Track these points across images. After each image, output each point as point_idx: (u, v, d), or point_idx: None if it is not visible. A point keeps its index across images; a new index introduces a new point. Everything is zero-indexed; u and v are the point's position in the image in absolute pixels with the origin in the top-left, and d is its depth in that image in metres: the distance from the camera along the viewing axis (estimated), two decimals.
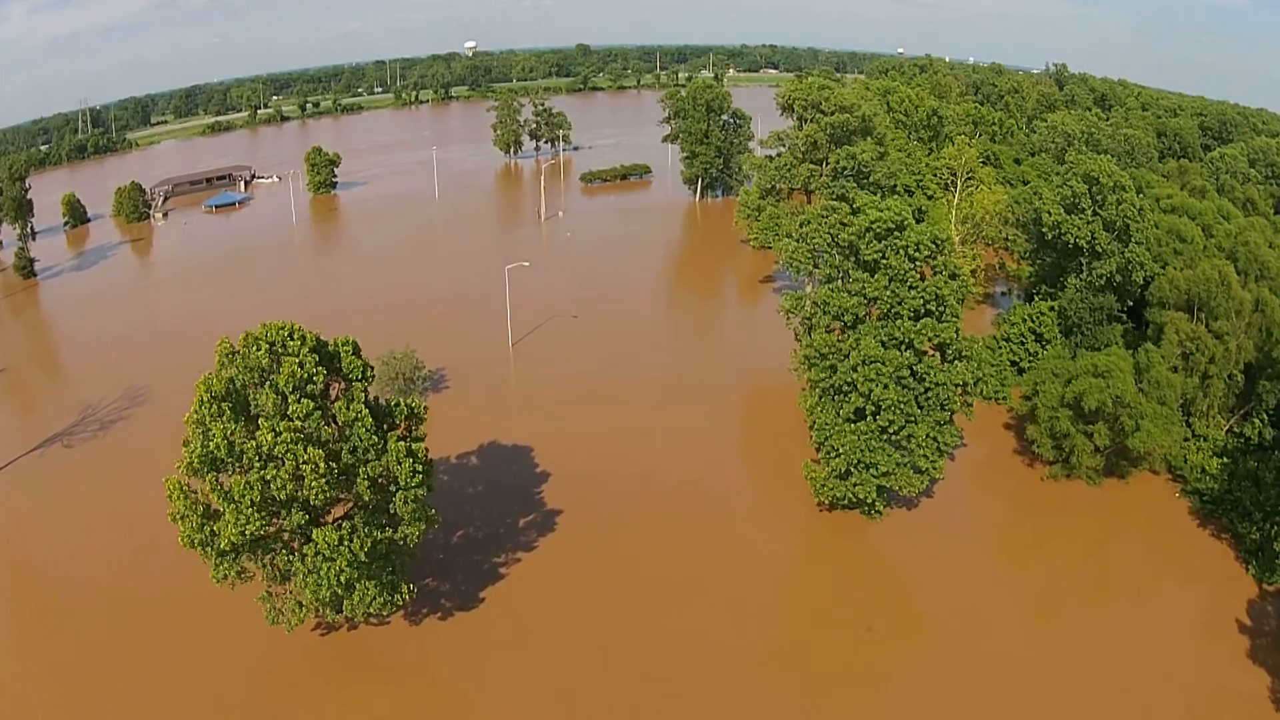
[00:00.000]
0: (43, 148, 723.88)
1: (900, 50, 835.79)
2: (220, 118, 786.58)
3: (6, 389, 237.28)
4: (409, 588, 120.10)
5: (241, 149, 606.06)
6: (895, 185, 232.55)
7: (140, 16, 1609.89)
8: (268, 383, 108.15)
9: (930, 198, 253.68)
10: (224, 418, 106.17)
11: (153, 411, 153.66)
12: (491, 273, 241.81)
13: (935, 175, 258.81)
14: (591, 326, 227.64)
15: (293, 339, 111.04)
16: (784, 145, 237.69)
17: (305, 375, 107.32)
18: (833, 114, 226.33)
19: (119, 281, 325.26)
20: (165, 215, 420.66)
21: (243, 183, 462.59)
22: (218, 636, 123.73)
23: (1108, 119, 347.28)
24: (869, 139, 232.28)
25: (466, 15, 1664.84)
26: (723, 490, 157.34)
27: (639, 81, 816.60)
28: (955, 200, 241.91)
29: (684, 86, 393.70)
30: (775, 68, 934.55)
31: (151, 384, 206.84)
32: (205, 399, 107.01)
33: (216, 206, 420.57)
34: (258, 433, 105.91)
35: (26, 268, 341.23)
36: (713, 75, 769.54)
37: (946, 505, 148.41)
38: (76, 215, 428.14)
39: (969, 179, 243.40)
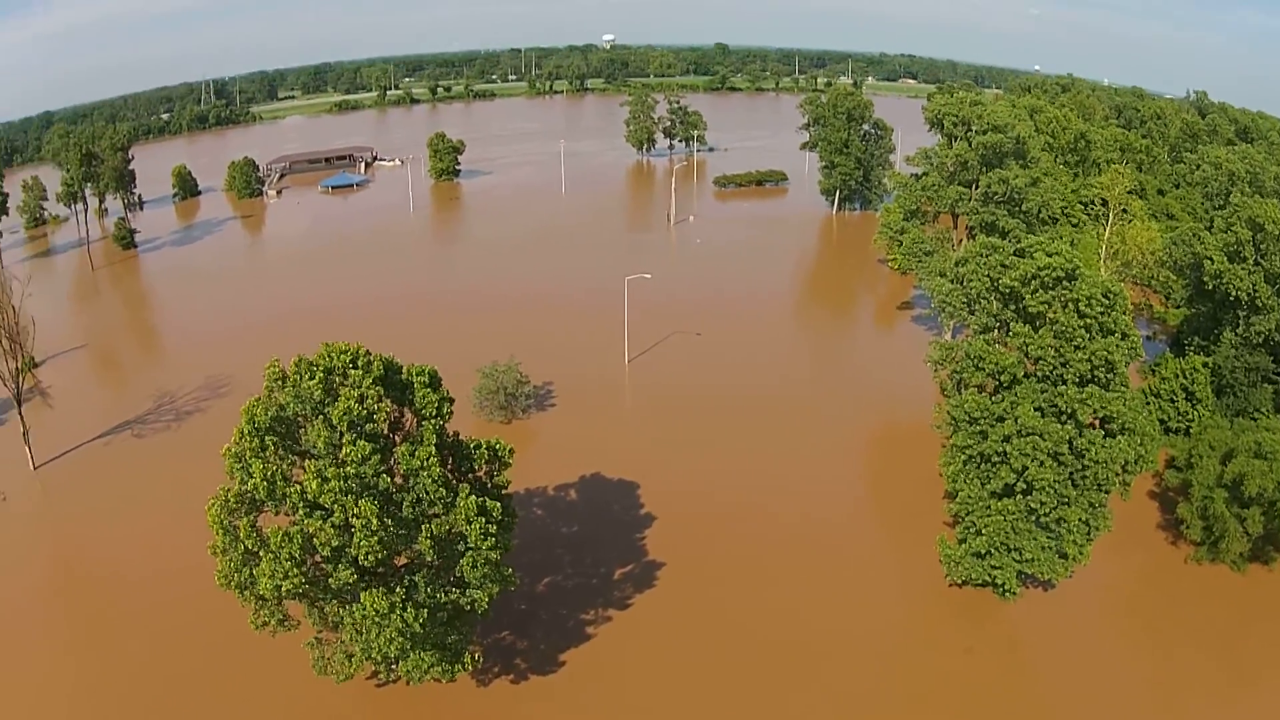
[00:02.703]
0: (163, 116, 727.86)
1: (1037, 68, 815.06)
2: (349, 96, 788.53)
3: (84, 366, 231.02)
4: (474, 657, 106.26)
5: (367, 129, 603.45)
6: (1045, 214, 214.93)
7: None
8: (320, 417, 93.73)
9: (1076, 226, 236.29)
10: (266, 453, 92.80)
11: (233, 406, 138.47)
12: (613, 278, 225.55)
13: (1083, 204, 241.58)
14: (715, 345, 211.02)
15: (355, 366, 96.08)
16: (931, 163, 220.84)
17: (365, 412, 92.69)
18: (985, 133, 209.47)
19: (219, 260, 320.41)
20: (279, 193, 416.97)
21: (363, 164, 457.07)
22: (261, 668, 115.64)
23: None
24: (1021, 162, 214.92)
25: (605, 7, 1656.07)
26: (842, 549, 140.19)
27: (777, 84, 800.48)
28: (1105, 233, 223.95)
29: (824, 92, 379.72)
30: (914, 78, 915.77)
31: (237, 375, 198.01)
32: (247, 430, 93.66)
33: (333, 187, 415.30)
34: (304, 477, 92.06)
35: (126, 239, 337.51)
36: (852, 82, 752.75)
37: (1080, 578, 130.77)
38: (186, 187, 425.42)
39: (1121, 211, 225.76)
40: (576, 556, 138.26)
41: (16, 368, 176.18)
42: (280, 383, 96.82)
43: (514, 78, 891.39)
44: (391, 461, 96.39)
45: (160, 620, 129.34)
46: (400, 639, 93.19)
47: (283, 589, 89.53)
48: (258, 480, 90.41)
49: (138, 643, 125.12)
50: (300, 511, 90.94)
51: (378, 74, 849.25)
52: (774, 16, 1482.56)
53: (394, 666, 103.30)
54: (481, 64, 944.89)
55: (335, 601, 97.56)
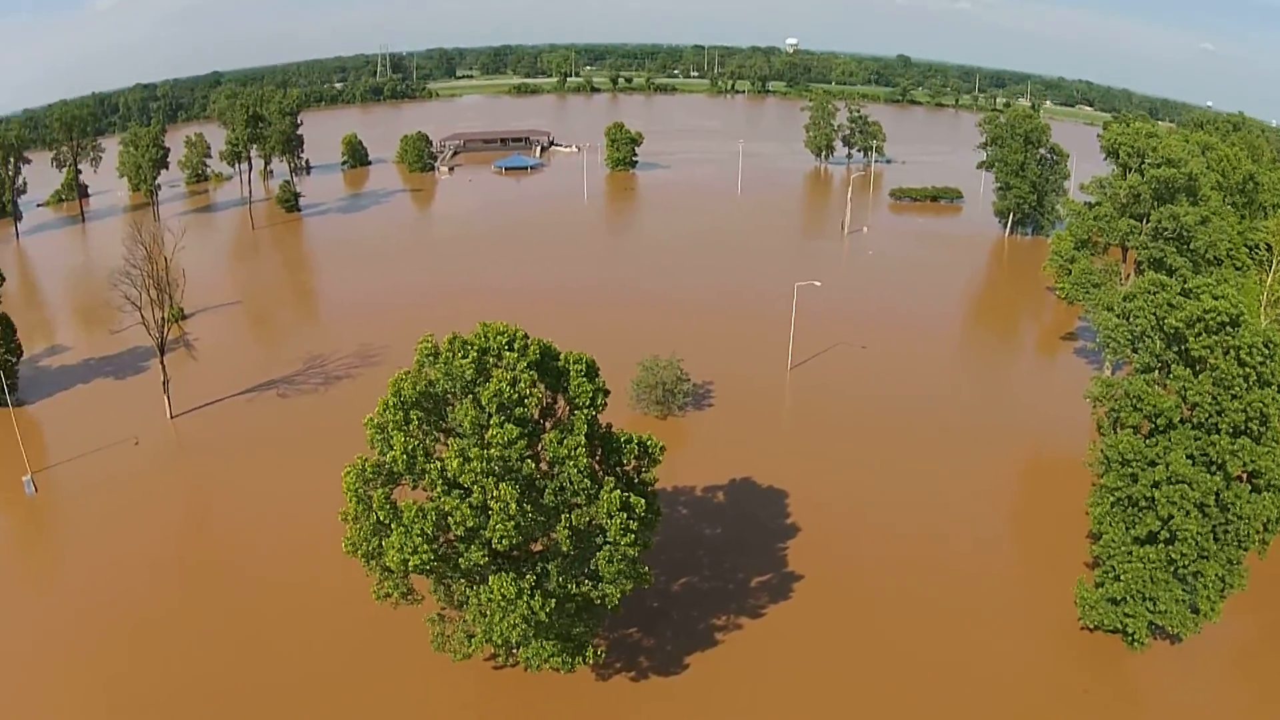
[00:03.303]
0: (336, 85, 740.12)
1: (1209, 104, 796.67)
2: (528, 80, 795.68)
3: (236, 323, 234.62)
4: (596, 651, 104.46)
5: (546, 114, 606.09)
6: (1211, 254, 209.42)
7: None
8: (470, 396, 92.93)
9: (1240, 270, 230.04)
10: (410, 427, 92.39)
11: (383, 376, 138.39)
12: (783, 283, 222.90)
13: (1248, 247, 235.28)
14: (878, 360, 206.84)
15: (511, 348, 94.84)
16: (1104, 193, 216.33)
17: (516, 395, 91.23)
18: (1159, 166, 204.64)
19: (383, 231, 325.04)
20: (451, 170, 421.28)
21: (539, 148, 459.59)
22: (377, 637, 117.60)
23: None
24: (1192, 199, 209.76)
25: (790, 11, 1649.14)
26: (978, 576, 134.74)
27: (956, 101, 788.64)
28: (1269, 280, 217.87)
29: (1002, 113, 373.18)
30: (1090, 104, 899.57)
31: (390, 345, 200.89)
32: (392, 403, 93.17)
33: (507, 169, 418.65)
34: (446, 455, 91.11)
35: (290, 201, 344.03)
36: (1029, 105, 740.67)
37: (1208, 634, 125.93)
38: (356, 156, 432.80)
39: None
40: (716, 560, 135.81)
41: (162, 317, 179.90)
42: (432, 358, 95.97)
43: (696, 74, 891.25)
44: (538, 447, 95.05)
45: (275, 579, 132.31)
46: (524, 625, 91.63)
47: (410, 563, 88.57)
48: (397, 453, 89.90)
49: (247, 599, 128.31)
50: (438, 488, 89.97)
51: (559, 60, 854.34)
52: (956, 32, 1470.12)
53: (514, 652, 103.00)
54: (664, 58, 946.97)
55: (463, 581, 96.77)
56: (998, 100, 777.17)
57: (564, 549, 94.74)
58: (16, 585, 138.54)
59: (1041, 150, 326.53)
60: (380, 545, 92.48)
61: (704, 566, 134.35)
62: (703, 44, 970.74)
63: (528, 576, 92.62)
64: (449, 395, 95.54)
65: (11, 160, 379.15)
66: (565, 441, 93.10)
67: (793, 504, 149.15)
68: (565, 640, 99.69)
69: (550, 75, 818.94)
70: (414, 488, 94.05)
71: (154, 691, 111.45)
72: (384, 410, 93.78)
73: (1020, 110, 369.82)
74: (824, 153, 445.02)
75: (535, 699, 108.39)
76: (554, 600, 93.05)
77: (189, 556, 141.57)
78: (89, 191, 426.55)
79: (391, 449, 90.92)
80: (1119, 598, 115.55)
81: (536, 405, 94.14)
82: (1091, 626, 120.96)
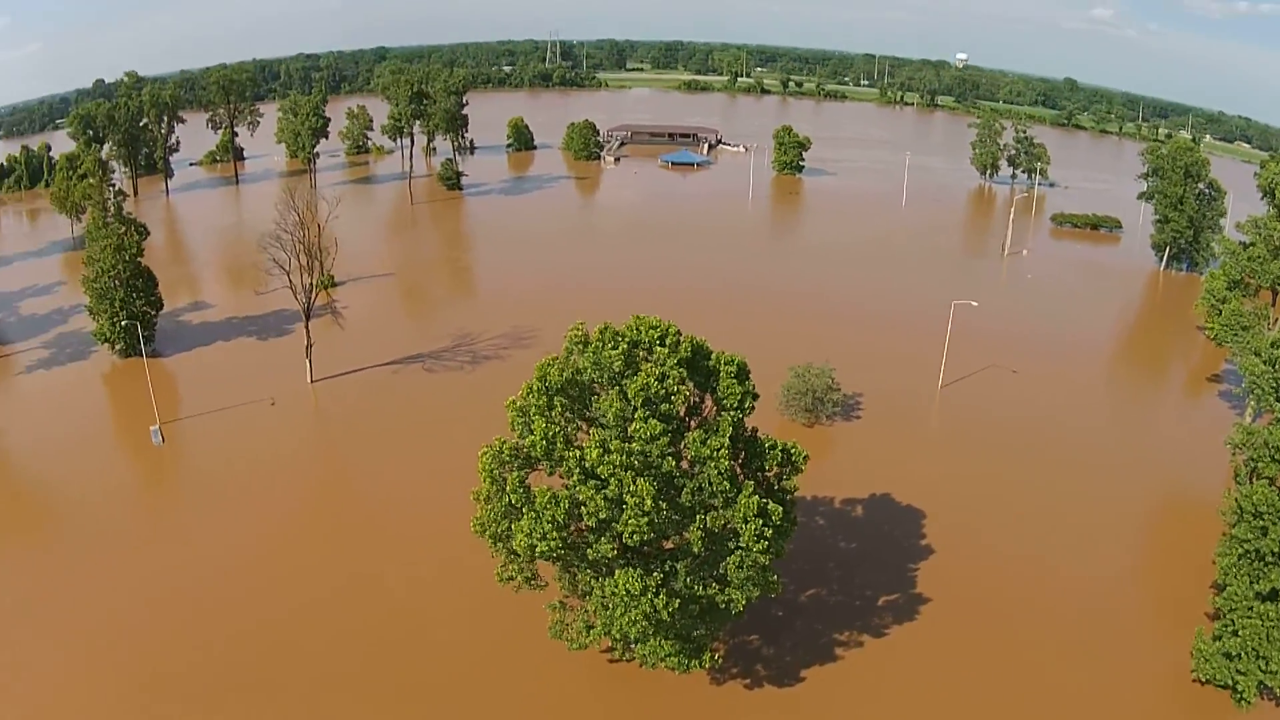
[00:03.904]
0: (505, 69, 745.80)
1: None
2: (698, 77, 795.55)
3: (387, 294, 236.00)
4: (714, 655, 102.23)
5: (714, 111, 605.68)
6: None
7: None
8: (616, 388, 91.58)
9: None
10: (552, 413, 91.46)
11: (531, 359, 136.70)
12: (939, 300, 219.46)
13: None
14: (1027, 384, 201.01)
15: (662, 343, 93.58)
16: (1259, 233, 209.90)
17: (663, 391, 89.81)
18: None
19: (544, 215, 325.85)
20: (617, 160, 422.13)
21: (706, 146, 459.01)
22: (491, 624, 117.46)
23: None
24: None
25: (961, 26, 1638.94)
26: (1097, 615, 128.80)
27: (1120, 128, 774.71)
28: None
29: (1164, 144, 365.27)
30: (1248, 141, 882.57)
31: (542, 329, 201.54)
32: (537, 388, 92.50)
33: (673, 163, 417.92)
34: (586, 444, 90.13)
35: (452, 179, 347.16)
36: (1190, 137, 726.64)
37: None
38: (522, 140, 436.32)
39: None
40: (846, 574, 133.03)
41: (311, 283, 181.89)
42: (581, 346, 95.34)
43: (866, 83, 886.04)
44: (681, 445, 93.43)
45: (397, 552, 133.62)
46: (645, 622, 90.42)
47: (537, 549, 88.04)
48: (537, 438, 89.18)
49: (367, 568, 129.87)
50: (574, 477, 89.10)
51: (730, 59, 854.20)
52: (1122, 58, 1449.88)
53: (631, 647, 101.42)
54: (835, 64, 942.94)
55: (589, 571, 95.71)
56: (1159, 131, 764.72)
57: (695, 550, 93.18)
58: (132, 532, 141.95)
59: (1200, 185, 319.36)
60: (509, 528, 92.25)
61: (833, 580, 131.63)
62: (874, 53, 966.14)
63: (655, 574, 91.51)
64: (595, 385, 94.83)
65: (165, 119, 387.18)
66: (708, 442, 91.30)
67: (929, 524, 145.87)
68: (684, 640, 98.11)
69: (721, 74, 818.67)
70: (550, 474, 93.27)
71: (260, 652, 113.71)
72: (527, 394, 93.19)
73: (1181, 142, 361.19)
74: (989, 171, 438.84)
75: (647, 696, 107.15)
76: (678, 600, 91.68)
77: (313, 521, 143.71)
78: (244, 155, 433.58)
79: (531, 433, 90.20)
80: (1234, 653, 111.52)
81: (683, 403, 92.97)
82: (1203, 679, 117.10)
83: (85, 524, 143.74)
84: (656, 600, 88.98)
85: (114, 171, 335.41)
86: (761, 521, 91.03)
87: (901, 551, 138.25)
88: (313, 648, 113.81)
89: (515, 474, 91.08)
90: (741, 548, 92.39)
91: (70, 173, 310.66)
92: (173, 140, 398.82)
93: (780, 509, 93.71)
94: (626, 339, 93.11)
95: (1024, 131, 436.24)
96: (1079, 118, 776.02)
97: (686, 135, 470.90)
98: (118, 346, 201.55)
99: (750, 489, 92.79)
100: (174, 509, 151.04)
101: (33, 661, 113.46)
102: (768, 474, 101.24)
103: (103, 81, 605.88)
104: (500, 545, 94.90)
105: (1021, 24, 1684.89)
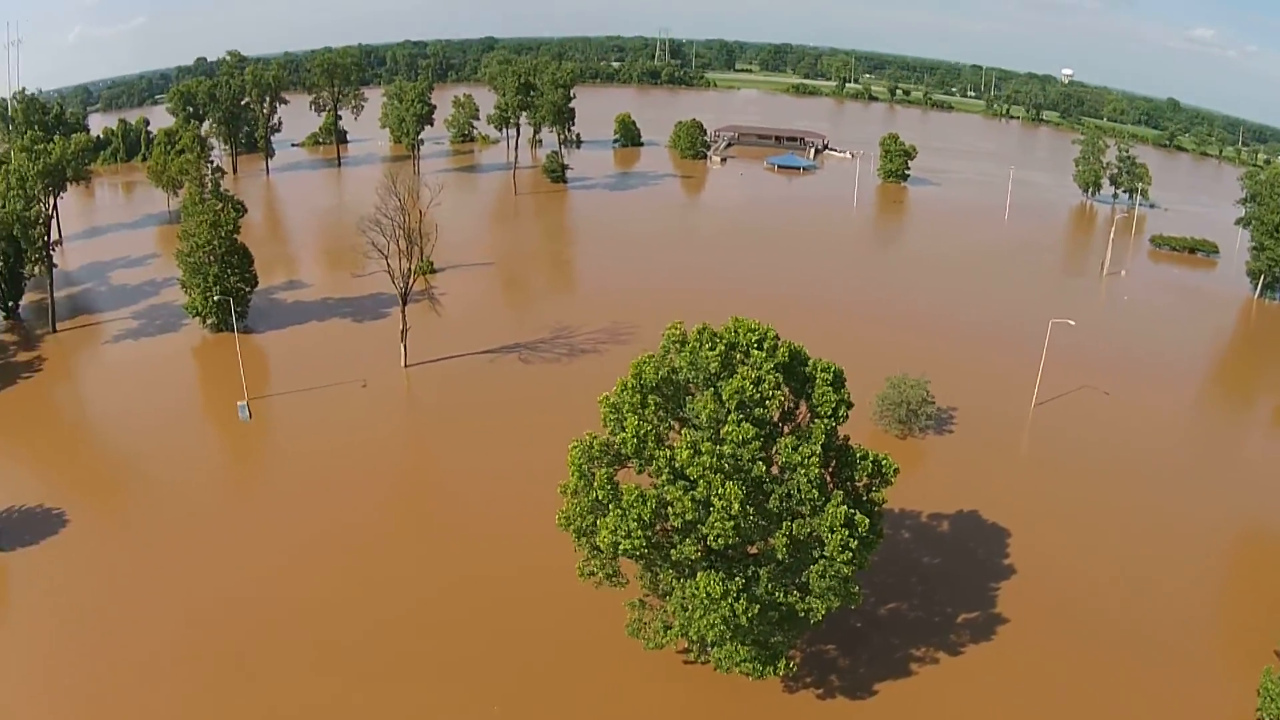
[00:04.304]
0: (613, 64, 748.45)
1: None
2: (806, 80, 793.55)
3: (488, 283, 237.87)
4: (789, 663, 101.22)
5: (821, 116, 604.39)
6: None
7: None
8: (711, 389, 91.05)
9: None
10: (645, 411, 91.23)
11: (628, 355, 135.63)
12: (1035, 316, 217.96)
13: None
14: (1120, 408, 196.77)
15: (759, 347, 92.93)
16: None
17: (758, 394, 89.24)
18: None
19: (647, 212, 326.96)
20: (723, 160, 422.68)
21: (813, 150, 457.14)
22: (568, 619, 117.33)
23: None
24: None
25: (1067, 41, 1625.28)
26: (1170, 647, 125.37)
27: (1220, 151, 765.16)
28: None
29: (1263, 169, 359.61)
30: None
31: (641, 326, 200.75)
32: (631, 385, 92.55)
33: (779, 166, 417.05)
34: (677, 444, 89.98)
35: (557, 172, 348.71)
36: None
37: None
38: (628, 136, 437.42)
39: None
40: (928, 590, 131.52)
41: (409, 268, 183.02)
42: (678, 346, 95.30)
43: (972, 94, 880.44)
44: (772, 451, 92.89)
45: (479, 540, 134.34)
46: (723, 626, 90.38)
47: (621, 546, 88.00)
48: (628, 435, 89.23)
49: (446, 554, 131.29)
50: (663, 477, 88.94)
51: (838, 64, 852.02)
52: (1223, 79, 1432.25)
53: (708, 650, 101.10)
54: (942, 74, 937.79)
55: (671, 572, 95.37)
56: (1259, 155, 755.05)
57: (779, 556, 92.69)
58: (214, 510, 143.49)
59: None
60: (594, 524, 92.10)
61: (914, 595, 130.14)
62: (980, 64, 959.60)
63: (737, 578, 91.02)
64: (690, 385, 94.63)
65: (268, 99, 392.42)
66: (800, 449, 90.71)
67: (1013, 544, 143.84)
68: (761, 647, 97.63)
69: (829, 78, 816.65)
70: (639, 472, 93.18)
71: (339, 641, 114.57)
72: (621, 391, 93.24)
73: (1279, 168, 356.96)
74: (1091, 189, 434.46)
75: (719, 700, 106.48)
76: (758, 606, 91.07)
77: (397, 510, 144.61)
78: (347, 138, 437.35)
79: (623, 430, 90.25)
80: None
81: (777, 408, 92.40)
82: (1267, 719, 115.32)
83: (168, 498, 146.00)
84: (736, 605, 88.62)
85: (213, 148, 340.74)
86: (848, 532, 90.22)
87: (983, 570, 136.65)
88: (391, 638, 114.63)
89: (604, 470, 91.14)
90: (826, 557, 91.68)
91: (168, 148, 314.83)
92: (275, 120, 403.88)
93: (867, 520, 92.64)
94: (724, 340, 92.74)
95: (1126, 150, 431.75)
96: (1180, 139, 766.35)
97: (793, 139, 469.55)
98: (209, 321, 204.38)
99: (839, 499, 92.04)
100: (258, 488, 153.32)
101: (115, 637, 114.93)
102: (857, 484, 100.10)
103: (204, 59, 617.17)
104: (584, 540, 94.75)
105: (1125, 41, 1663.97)
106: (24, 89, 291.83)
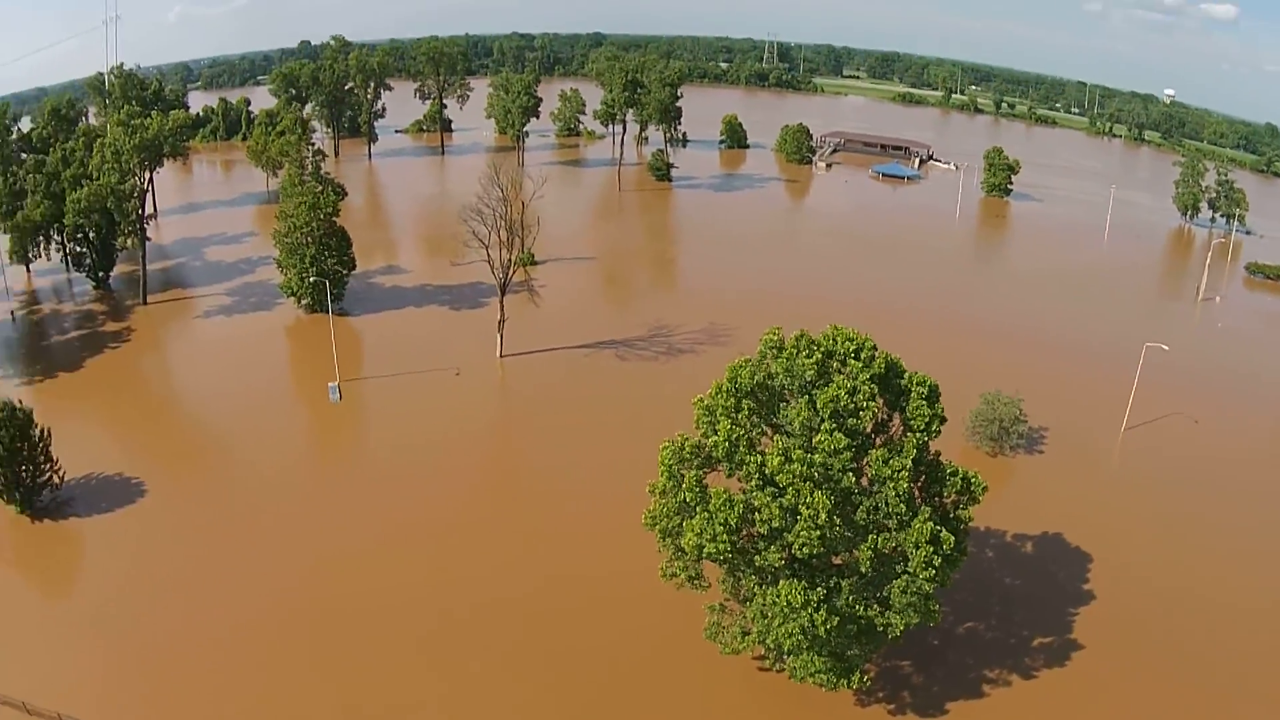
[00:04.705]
0: (721, 64, 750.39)
1: None
2: (913, 90, 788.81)
3: (589, 278, 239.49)
4: (864, 676, 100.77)
5: (926, 126, 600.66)
6: None
7: None
8: (806, 396, 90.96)
9: None
10: (738, 415, 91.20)
11: (725, 358, 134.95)
12: (1128, 339, 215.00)
13: None
14: (1209, 437, 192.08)
15: (856, 357, 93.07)
16: None
17: (852, 405, 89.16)
18: None
19: (751, 214, 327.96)
20: (828, 166, 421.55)
21: (918, 160, 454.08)
22: (646, 619, 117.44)
23: None
24: None
25: (1170, 61, 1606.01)
26: (1246, 689, 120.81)
27: None
28: None
29: None
30: None
31: (739, 329, 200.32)
32: (726, 388, 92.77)
33: (884, 175, 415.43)
34: (768, 450, 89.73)
35: (662, 170, 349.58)
36: None
37: None
38: (735, 137, 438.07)
39: None
40: (1006, 611, 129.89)
41: (509, 259, 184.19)
42: (775, 351, 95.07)
43: (1076, 111, 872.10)
44: (863, 462, 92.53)
45: (563, 536, 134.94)
46: (801, 635, 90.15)
47: (705, 549, 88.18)
48: (721, 439, 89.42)
49: (531, 548, 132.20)
50: (752, 482, 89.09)
51: (944, 74, 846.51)
52: None
53: (784, 658, 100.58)
54: (1047, 89, 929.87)
55: (754, 578, 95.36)
56: None
57: (862, 569, 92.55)
58: (300, 489, 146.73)
59: None
60: (680, 525, 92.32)
61: (993, 615, 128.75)
62: (1085, 81, 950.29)
63: (818, 589, 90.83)
64: (785, 392, 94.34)
65: (372, 84, 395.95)
66: (891, 462, 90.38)
67: (1095, 569, 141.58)
68: (837, 658, 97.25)
69: (935, 88, 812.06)
70: (728, 476, 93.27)
71: (418, 629, 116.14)
72: (716, 394, 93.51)
73: None
74: (1189, 213, 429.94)
75: (791, 708, 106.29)
76: (837, 618, 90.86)
77: (483, 502, 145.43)
78: (452, 126, 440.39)
79: (715, 434, 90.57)
80: None
81: (871, 419, 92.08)
82: None
83: (250, 475, 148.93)
84: (816, 615, 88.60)
85: (314, 131, 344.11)
86: (932, 549, 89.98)
87: (1064, 594, 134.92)
88: (467, 628, 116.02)
89: (693, 472, 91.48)
90: (909, 573, 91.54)
91: (269, 128, 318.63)
92: (378, 106, 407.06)
93: (952, 538, 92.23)
94: (821, 348, 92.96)
95: (1225, 174, 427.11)
96: (1278, 164, 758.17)
97: (899, 147, 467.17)
98: (304, 301, 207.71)
99: (926, 514, 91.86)
100: (343, 470, 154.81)
101: (182, 612, 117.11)
102: (945, 501, 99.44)
103: (308, 43, 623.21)
104: (669, 541, 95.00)
105: (1225, 63, 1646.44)
106: (121, 64, 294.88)
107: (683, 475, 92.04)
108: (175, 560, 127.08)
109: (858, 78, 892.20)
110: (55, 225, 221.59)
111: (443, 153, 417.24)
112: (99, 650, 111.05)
